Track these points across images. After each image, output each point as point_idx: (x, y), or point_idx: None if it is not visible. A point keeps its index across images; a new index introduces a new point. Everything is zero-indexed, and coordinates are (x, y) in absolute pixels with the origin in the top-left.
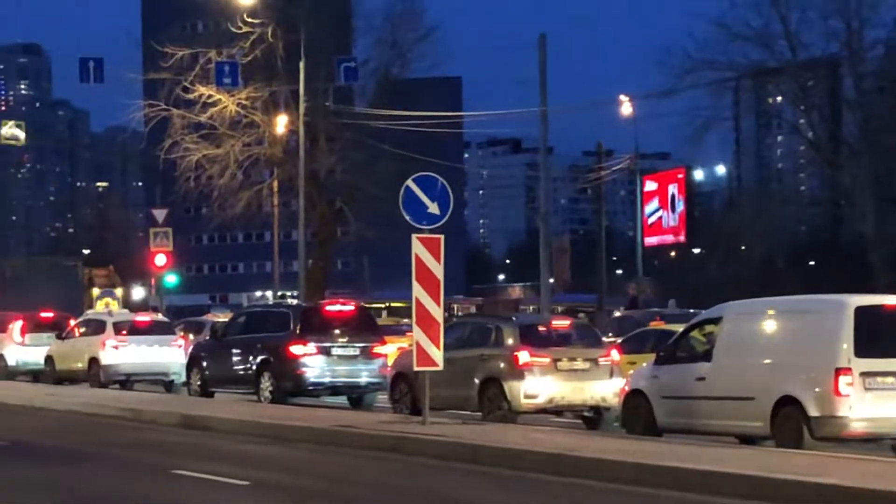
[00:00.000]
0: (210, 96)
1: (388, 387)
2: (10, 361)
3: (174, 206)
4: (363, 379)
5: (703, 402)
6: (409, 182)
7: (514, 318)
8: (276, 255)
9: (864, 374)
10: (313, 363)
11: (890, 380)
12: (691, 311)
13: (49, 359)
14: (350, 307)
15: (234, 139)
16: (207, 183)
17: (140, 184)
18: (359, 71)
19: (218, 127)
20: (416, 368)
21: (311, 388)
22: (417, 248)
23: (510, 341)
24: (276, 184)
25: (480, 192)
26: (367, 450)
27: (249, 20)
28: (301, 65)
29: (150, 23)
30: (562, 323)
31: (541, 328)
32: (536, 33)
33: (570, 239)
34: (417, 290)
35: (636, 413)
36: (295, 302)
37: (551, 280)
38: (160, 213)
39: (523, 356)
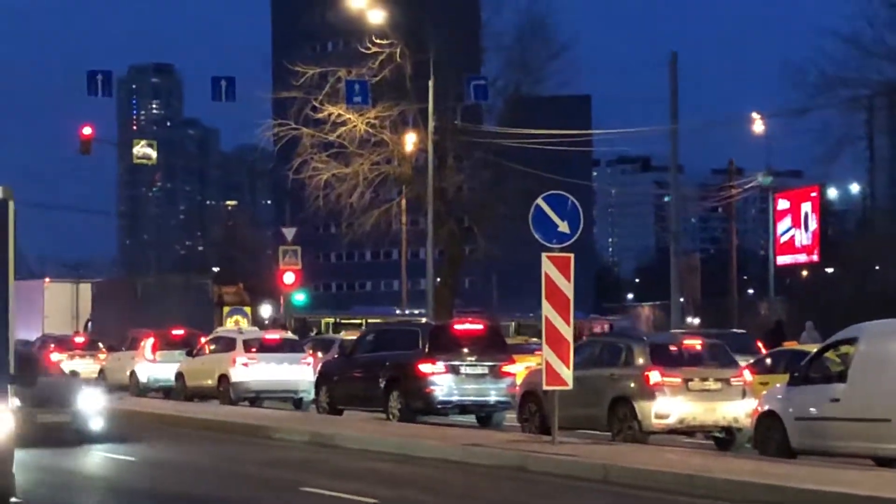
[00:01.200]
0: (339, 115)
1: (516, 406)
2: (142, 378)
3: (303, 224)
4: (492, 398)
5: (838, 424)
6: (540, 200)
7: (644, 338)
8: (404, 273)
9: None
10: (442, 381)
11: None
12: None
13: (179, 376)
14: (479, 326)
15: (362, 158)
16: (336, 201)
17: (269, 202)
18: (488, 89)
19: (347, 146)
20: (545, 387)
21: (439, 406)
22: (547, 266)
23: (641, 360)
24: (404, 202)
25: (609, 210)
26: (496, 468)
27: (378, 40)
28: (430, 83)
29: (280, 43)
30: (693, 342)
31: (672, 347)
32: (667, 51)
33: (700, 258)
34: (547, 309)
35: (769, 434)
36: (424, 320)
37: (681, 299)
38: (289, 232)
39: (654, 376)
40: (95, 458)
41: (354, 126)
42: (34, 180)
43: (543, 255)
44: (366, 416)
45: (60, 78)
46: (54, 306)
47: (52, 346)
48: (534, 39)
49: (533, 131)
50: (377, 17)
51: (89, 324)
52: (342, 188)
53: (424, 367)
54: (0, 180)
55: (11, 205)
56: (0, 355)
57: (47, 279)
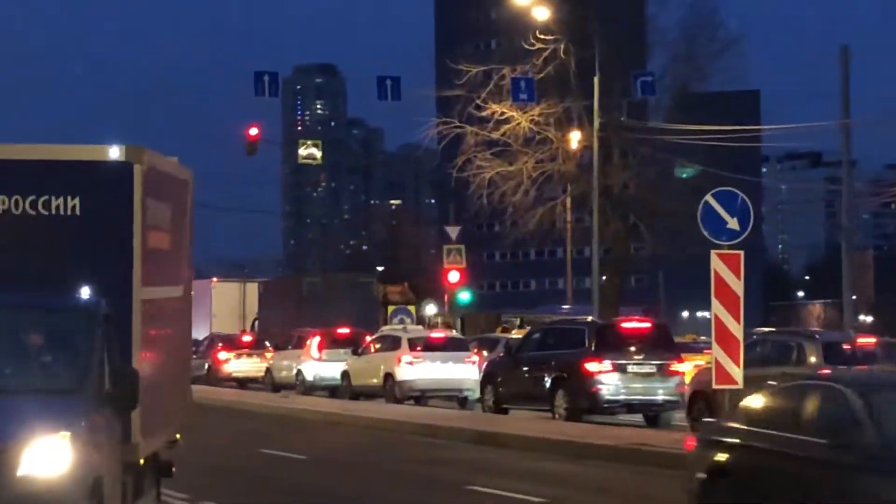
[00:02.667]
0: (503, 113)
1: (685, 405)
2: (308, 377)
3: (467, 223)
4: (660, 397)
5: None
6: (709, 197)
7: (816, 336)
8: (570, 271)
9: None
10: (609, 380)
11: None
12: None
13: (345, 374)
14: (646, 324)
15: (527, 156)
16: (500, 200)
17: (433, 201)
18: (655, 85)
19: (511, 144)
20: (714, 386)
21: (606, 405)
22: (716, 264)
23: (813, 359)
24: (568, 200)
25: (779, 207)
26: (664, 468)
27: (542, 37)
28: (595, 80)
29: (443, 41)
30: (867, 341)
31: (845, 346)
32: (838, 45)
33: (873, 255)
34: (716, 307)
35: None
36: (590, 319)
37: (853, 297)
38: (453, 230)
39: None
40: (266, 457)
41: (518, 124)
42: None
43: (713, 252)
44: (531, 415)
45: (227, 80)
46: (222, 306)
47: (220, 345)
48: (700, 34)
49: (701, 127)
50: (542, 13)
51: (256, 323)
52: (506, 186)
53: (591, 366)
54: None
55: (138, 170)
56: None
57: (215, 279)
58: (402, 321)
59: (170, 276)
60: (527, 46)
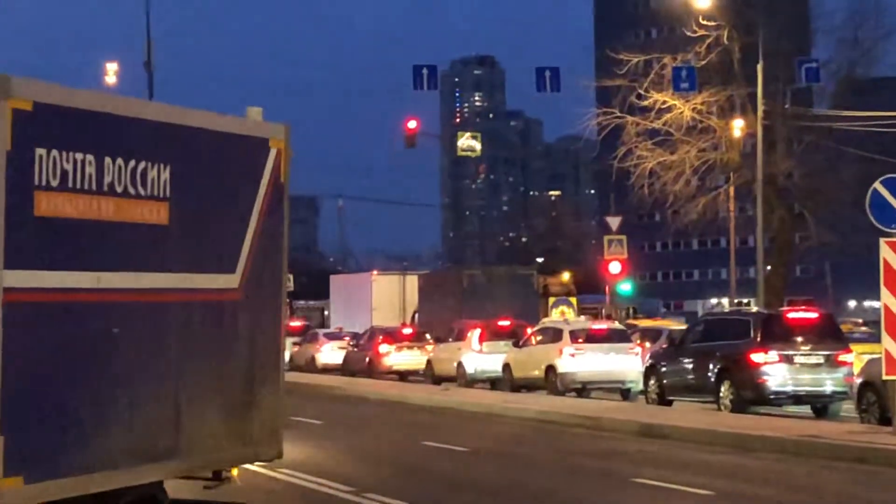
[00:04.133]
0: (664, 102)
1: (854, 396)
2: (469, 369)
3: (628, 213)
4: (828, 388)
5: None
6: (877, 184)
7: None
8: (733, 261)
9: None
10: (775, 371)
11: None
12: None
13: (506, 366)
14: (813, 314)
15: (689, 145)
16: (662, 190)
17: (593, 192)
18: (819, 71)
19: (673, 133)
20: (884, 377)
21: (772, 396)
22: (886, 252)
23: None
24: (731, 189)
25: None
26: (833, 460)
27: (705, 23)
28: (759, 67)
29: (602, 31)
30: None
31: None
32: None
33: None
34: (886, 296)
35: None
36: (755, 309)
37: None
38: (614, 221)
39: None
40: (428, 449)
41: (680, 112)
42: (362, 175)
43: (882, 240)
44: (696, 407)
45: (387, 74)
46: (382, 298)
47: (381, 337)
48: (866, 18)
49: (869, 114)
50: (703, 0)
51: (416, 315)
52: (668, 176)
53: (756, 357)
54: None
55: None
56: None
57: (375, 272)
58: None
59: (145, 260)
60: (688, 34)
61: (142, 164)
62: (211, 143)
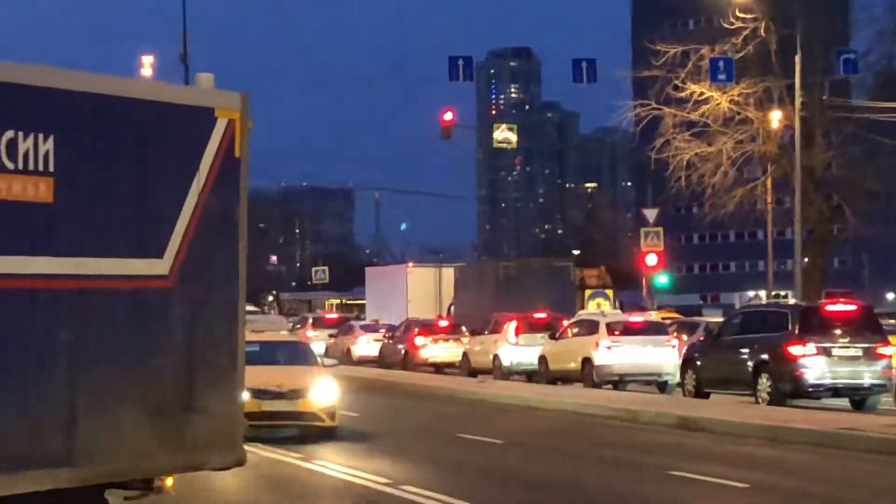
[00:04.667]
0: (701, 94)
1: (892, 388)
2: (505, 361)
3: (665, 205)
4: (866, 380)
5: None
6: None
7: None
8: (770, 253)
9: None
10: (813, 364)
11: None
12: None
13: (542, 359)
14: (852, 306)
15: (726, 136)
16: (699, 181)
17: (629, 184)
18: (858, 63)
19: (710, 124)
20: None
21: (810, 389)
22: None
23: None
24: (769, 181)
25: None
26: (871, 453)
27: (742, 15)
28: (797, 58)
29: (640, 22)
30: None
31: None
32: None
33: None
34: None
35: None
36: (792, 301)
37: None
38: (651, 213)
39: None
40: (464, 441)
41: (718, 104)
42: (398, 166)
43: None
44: (733, 399)
45: (423, 65)
46: (418, 291)
47: (416, 330)
48: None
49: None
50: None
51: (452, 308)
52: (705, 168)
53: (794, 350)
54: (368, 167)
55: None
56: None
57: (410, 263)
58: (599, 305)
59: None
60: (726, 25)
61: (8, 134)
62: (124, 111)
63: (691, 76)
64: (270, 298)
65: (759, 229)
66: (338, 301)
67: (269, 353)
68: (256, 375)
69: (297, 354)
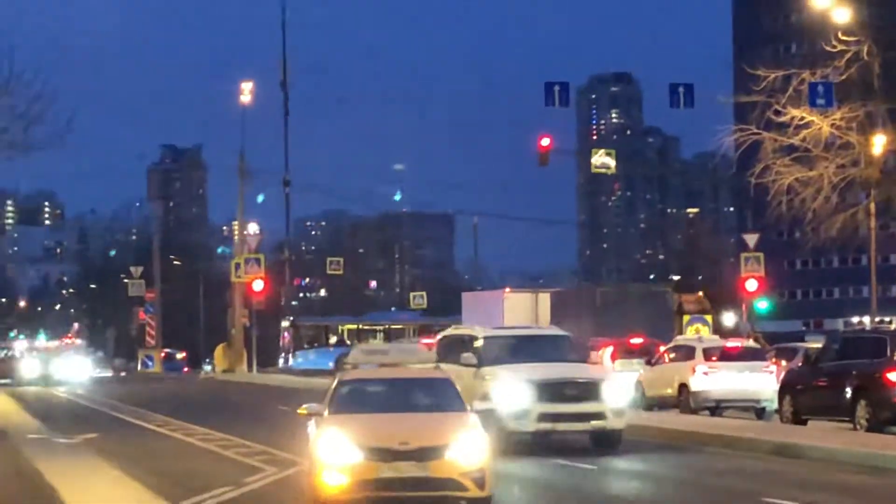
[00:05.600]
0: (802, 118)
1: None
2: None
3: (766, 230)
4: None
5: None
6: None
7: None
8: (874, 278)
9: None
10: None
11: None
12: None
13: (639, 384)
14: None
15: (827, 161)
16: (800, 206)
17: (731, 209)
18: None
19: (811, 149)
20: None
21: None
22: None
23: None
24: (872, 205)
25: None
26: None
27: (844, 38)
28: None
29: (741, 46)
30: None
31: None
32: None
33: None
34: None
35: None
36: (893, 327)
37: None
38: (751, 238)
39: None
40: (552, 466)
41: (819, 128)
42: (496, 193)
43: None
44: (831, 426)
45: (524, 89)
46: (514, 315)
47: None
48: None
49: None
50: (843, 15)
51: None
52: (806, 193)
53: (893, 376)
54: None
55: None
56: None
57: (507, 289)
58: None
59: None
60: (828, 49)
61: None
62: None
63: (792, 101)
64: (286, 324)
65: (862, 254)
66: (354, 326)
67: (399, 395)
68: (377, 427)
69: (436, 396)
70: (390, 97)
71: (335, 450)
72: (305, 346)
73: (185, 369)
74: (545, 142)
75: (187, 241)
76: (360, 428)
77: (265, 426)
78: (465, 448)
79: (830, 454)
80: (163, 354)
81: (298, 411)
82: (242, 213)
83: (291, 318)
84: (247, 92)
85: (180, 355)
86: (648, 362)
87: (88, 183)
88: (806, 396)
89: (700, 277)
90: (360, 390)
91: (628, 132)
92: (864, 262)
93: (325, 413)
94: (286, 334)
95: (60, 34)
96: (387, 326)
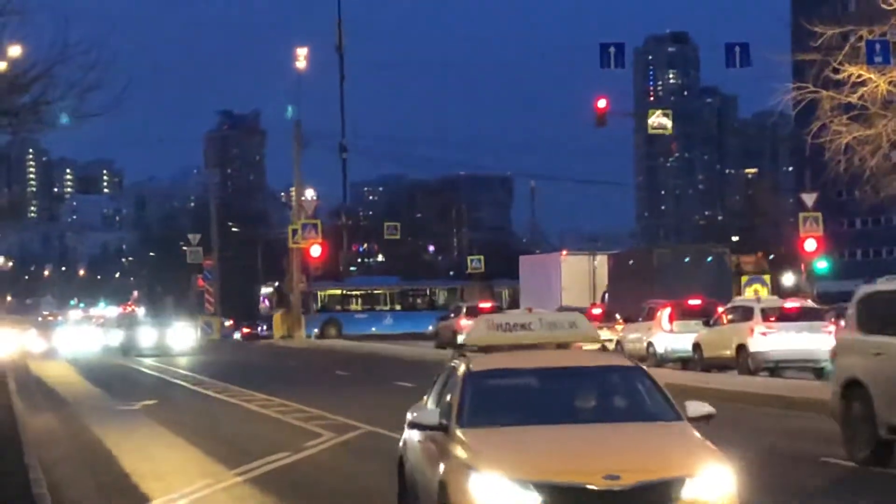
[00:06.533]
0: (860, 76)
1: None
2: (659, 349)
3: (824, 189)
4: None
5: None
6: None
7: None
8: None
9: None
10: None
11: None
12: None
13: (696, 346)
14: None
15: (885, 119)
16: (858, 165)
17: (790, 168)
18: None
19: (869, 107)
20: None
21: None
22: None
23: None
24: None
25: None
26: None
27: None
28: None
29: (799, 3)
30: None
31: None
32: None
33: None
34: None
35: None
36: None
37: None
38: (809, 198)
39: None
40: None
41: (876, 86)
42: (554, 156)
43: None
44: None
45: (580, 52)
46: (571, 278)
47: None
48: None
49: None
50: None
51: (606, 295)
52: (864, 151)
53: None
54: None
55: None
56: None
57: (564, 251)
58: (755, 291)
59: None
60: (884, 6)
61: None
62: None
63: (849, 58)
64: (268, 290)
65: None
66: (338, 291)
67: (573, 396)
68: (557, 451)
69: (630, 395)
70: (449, 61)
71: (490, 495)
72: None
73: (245, 332)
74: (602, 103)
75: (245, 208)
76: (530, 453)
77: (323, 391)
78: (709, 483)
79: None
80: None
81: (407, 422)
82: (299, 178)
83: (277, 284)
84: (302, 58)
85: (227, 322)
86: (706, 323)
87: (146, 150)
88: None
89: (759, 238)
90: (508, 388)
91: (685, 92)
92: None
93: (454, 426)
94: (265, 300)
95: (116, 3)
96: (368, 291)
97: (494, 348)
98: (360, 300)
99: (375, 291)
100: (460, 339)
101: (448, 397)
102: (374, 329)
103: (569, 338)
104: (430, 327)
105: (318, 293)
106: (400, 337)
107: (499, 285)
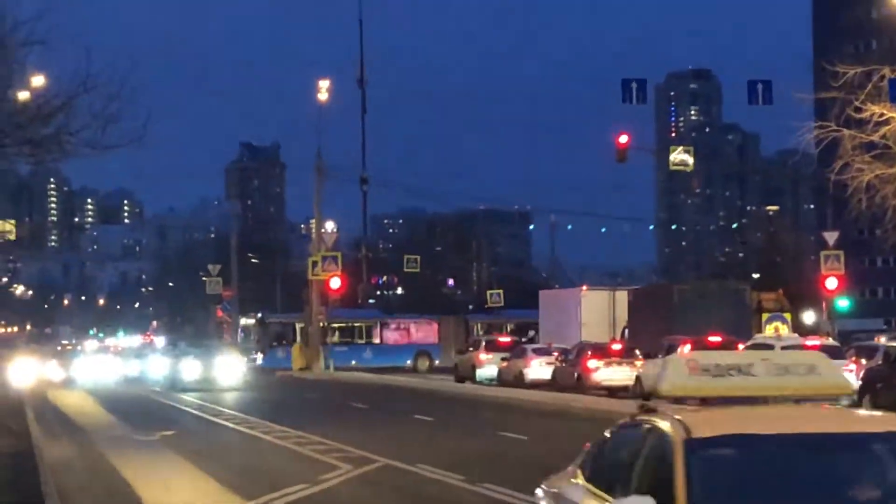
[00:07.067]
0: (882, 115)
1: None
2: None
3: (846, 227)
4: None
5: None
6: None
7: None
8: None
9: None
10: None
11: None
12: None
13: None
14: None
15: None
16: (880, 203)
17: (811, 206)
18: None
19: (891, 146)
20: None
21: None
22: None
23: None
24: None
25: None
26: None
27: None
28: None
29: (820, 43)
30: None
31: None
32: None
33: None
34: None
35: None
36: None
37: None
38: (831, 236)
39: None
40: None
41: None
42: (574, 191)
43: None
44: None
45: (602, 88)
46: (591, 314)
47: (589, 353)
48: None
49: None
50: None
51: (626, 331)
52: (886, 190)
53: None
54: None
55: None
56: None
57: (584, 287)
58: (776, 329)
59: None
60: None
61: None
62: None
63: (872, 97)
64: (251, 322)
65: None
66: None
67: (847, 481)
68: None
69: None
70: (470, 93)
71: None
72: (273, 343)
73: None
74: (623, 139)
75: (265, 240)
76: None
77: (340, 423)
78: None
79: None
80: None
81: None
82: (319, 210)
83: (259, 315)
84: (324, 90)
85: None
86: None
87: (167, 182)
88: (885, 394)
89: (780, 275)
90: (751, 467)
91: (707, 129)
92: None
93: None
94: (242, 332)
95: (138, 35)
96: (349, 324)
97: (707, 401)
98: (339, 333)
99: (355, 324)
100: (649, 384)
101: (645, 475)
102: (353, 362)
103: (809, 389)
104: (408, 361)
105: (296, 325)
106: (381, 370)
107: (501, 317)
